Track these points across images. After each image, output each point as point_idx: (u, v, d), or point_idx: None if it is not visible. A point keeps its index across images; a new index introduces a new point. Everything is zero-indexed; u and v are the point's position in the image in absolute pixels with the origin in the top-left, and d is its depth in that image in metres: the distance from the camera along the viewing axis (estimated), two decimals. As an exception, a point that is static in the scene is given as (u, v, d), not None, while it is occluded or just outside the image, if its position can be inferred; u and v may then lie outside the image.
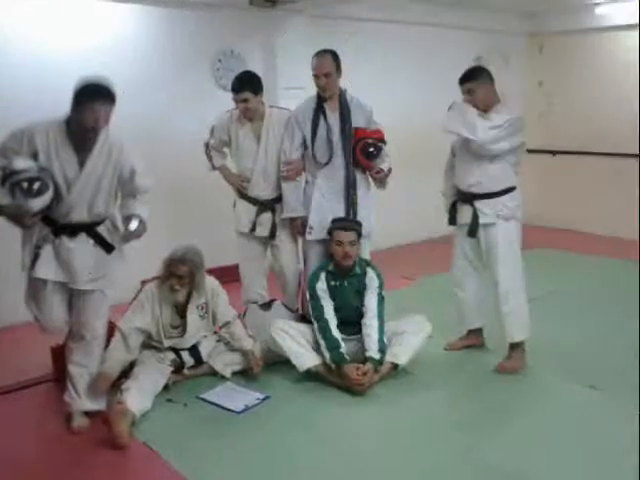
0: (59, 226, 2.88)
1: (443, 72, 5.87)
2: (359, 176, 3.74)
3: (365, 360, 3.34)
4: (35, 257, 2.88)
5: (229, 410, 3.15)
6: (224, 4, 5.06)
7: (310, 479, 2.63)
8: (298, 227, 3.82)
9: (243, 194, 3.89)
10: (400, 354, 3.44)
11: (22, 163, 2.69)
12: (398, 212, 6.07)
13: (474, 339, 3.87)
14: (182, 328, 3.42)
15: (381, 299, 3.52)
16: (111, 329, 3.23)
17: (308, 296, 3.54)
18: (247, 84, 3.66)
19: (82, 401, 3.05)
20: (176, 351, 3.44)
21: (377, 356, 3.35)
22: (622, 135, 6.66)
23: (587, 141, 6.97)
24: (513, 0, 6.39)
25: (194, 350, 3.49)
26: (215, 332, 3.62)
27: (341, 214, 3.67)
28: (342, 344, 3.38)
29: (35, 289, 2.95)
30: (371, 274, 3.55)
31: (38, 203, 2.71)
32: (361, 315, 3.50)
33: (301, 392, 3.36)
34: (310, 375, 3.42)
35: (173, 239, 3.66)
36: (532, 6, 6.72)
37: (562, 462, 2.68)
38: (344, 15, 5.65)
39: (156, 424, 3.04)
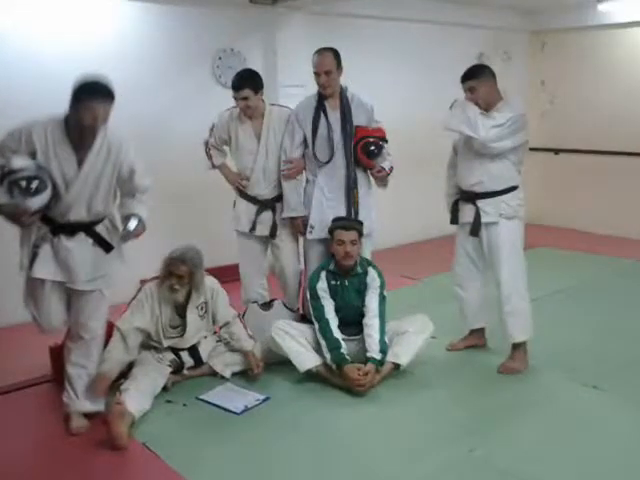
0: (57, 225, 2.86)
1: (445, 70, 5.86)
2: (360, 175, 3.72)
3: (366, 360, 3.32)
4: (33, 257, 2.86)
5: (229, 411, 3.13)
6: (224, 2, 5.03)
7: (310, 481, 2.62)
8: (299, 226, 3.79)
9: (243, 193, 3.87)
10: (401, 354, 3.42)
11: (20, 162, 2.67)
12: (398, 212, 6.04)
13: (476, 339, 3.85)
14: (181, 328, 3.40)
15: (382, 299, 3.50)
16: (110, 329, 3.20)
17: (309, 296, 3.52)
18: (247, 82, 3.63)
19: (80, 402, 3.02)
20: (175, 351, 3.42)
21: (378, 356, 3.32)
22: (626, 133, 6.63)
23: (590, 139, 6.93)
24: (515, -3, 6.39)
25: (193, 350, 3.47)
26: (215, 332, 3.60)
27: (342, 213, 3.65)
28: (343, 344, 3.35)
29: (33, 289, 2.93)
30: (372, 274, 3.53)
31: (36, 202, 2.68)
32: (362, 315, 3.48)
33: (301, 393, 3.34)
34: (311, 376, 3.40)
35: (173, 239, 3.64)
36: (534, 3, 6.68)
37: (566, 463, 2.66)
38: (345, 12, 5.63)
39: (155, 425, 3.02)
